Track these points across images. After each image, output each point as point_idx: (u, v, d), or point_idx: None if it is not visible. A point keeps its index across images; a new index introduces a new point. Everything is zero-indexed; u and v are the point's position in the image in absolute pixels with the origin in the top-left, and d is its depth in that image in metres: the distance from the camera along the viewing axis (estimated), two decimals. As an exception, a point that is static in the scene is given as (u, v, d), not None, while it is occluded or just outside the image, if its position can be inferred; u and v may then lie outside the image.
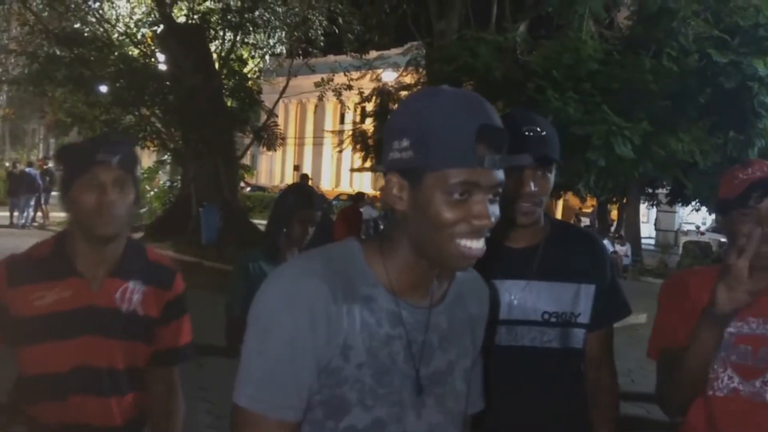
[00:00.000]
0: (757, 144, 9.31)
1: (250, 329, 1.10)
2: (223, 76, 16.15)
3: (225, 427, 2.51)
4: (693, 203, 14.20)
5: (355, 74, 17.09)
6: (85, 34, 15.97)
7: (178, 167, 16.95)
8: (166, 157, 18.59)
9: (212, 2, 17.08)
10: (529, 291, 1.74)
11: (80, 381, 1.65)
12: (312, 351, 1.06)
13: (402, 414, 1.11)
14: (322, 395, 1.08)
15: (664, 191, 15.06)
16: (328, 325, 1.07)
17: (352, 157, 16.26)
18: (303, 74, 17.07)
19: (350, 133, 14.42)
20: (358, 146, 13.62)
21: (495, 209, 1.08)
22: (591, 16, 9.61)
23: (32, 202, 18.10)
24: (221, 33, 16.35)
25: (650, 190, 15.93)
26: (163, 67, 16.01)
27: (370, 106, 14.47)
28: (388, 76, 16.20)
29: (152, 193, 19.44)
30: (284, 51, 18.56)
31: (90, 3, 16.60)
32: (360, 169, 14.69)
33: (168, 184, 19.40)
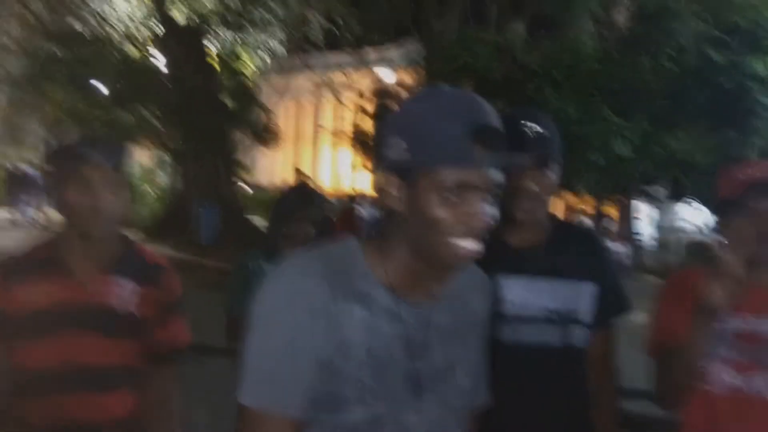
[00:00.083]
0: (756, 143, 9.33)
1: (251, 328, 1.10)
2: (222, 76, 16.15)
3: (224, 427, 2.51)
4: (693, 203, 14.22)
5: (352, 72, 17.09)
6: (85, 35, 15.96)
7: (177, 167, 16.94)
8: (165, 157, 18.60)
9: (211, 2, 17.08)
10: (531, 289, 1.74)
11: (71, 379, 1.65)
12: (312, 349, 1.07)
13: (401, 411, 1.12)
14: (322, 393, 1.09)
15: (664, 191, 15.09)
16: (328, 323, 1.07)
17: (350, 157, 16.26)
18: (301, 72, 17.07)
19: (348, 133, 14.43)
20: (357, 146, 13.63)
21: (491, 209, 1.08)
22: (590, 16, 9.61)
23: (33, 203, 18.07)
24: (220, 33, 16.34)
25: (649, 190, 15.98)
26: (162, 67, 16.02)
27: (369, 106, 14.47)
28: (386, 74, 16.20)
29: (152, 193, 19.44)
30: (282, 50, 18.56)
31: (90, 4, 16.59)
32: (359, 167, 14.68)
33: (168, 184, 19.40)
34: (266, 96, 19.57)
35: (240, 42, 17.00)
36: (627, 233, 17.72)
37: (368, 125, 13.73)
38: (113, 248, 1.73)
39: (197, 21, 15.88)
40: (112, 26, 16.98)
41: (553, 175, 1.75)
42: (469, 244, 1.07)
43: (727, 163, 1.83)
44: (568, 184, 9.39)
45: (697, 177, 9.75)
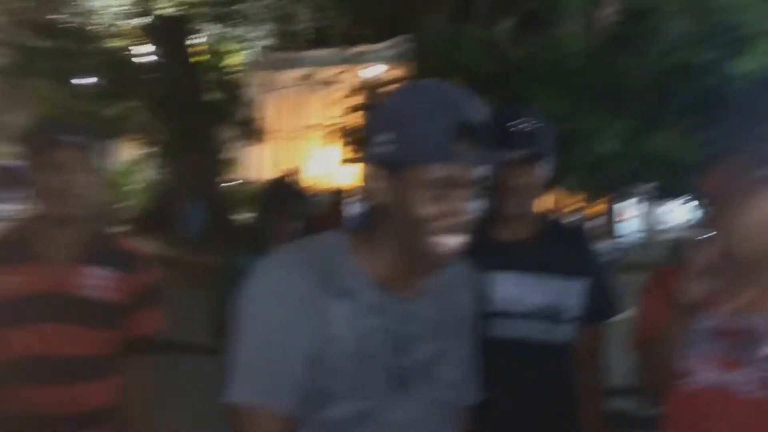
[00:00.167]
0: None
1: (239, 324, 1.10)
2: (208, 71, 16.04)
3: (206, 425, 2.50)
4: (679, 201, 14.33)
5: (340, 68, 17.05)
6: (71, 28, 15.80)
7: (163, 162, 16.83)
8: (150, 151, 18.47)
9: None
10: (518, 284, 1.76)
11: (43, 369, 1.62)
12: (302, 343, 1.07)
13: (383, 405, 1.12)
14: (310, 388, 1.08)
15: (649, 189, 15.20)
16: (314, 316, 1.07)
17: (336, 153, 16.23)
18: (288, 67, 17.00)
19: (335, 128, 14.40)
20: (345, 141, 13.61)
21: (476, 205, 1.08)
22: (577, 14, 9.65)
23: (16, 197, 17.84)
24: (207, 27, 16.23)
25: (635, 188, 16.09)
26: (147, 59, 15.89)
27: (355, 101, 14.44)
28: (375, 70, 16.18)
29: (138, 188, 19.29)
30: (268, 44, 18.47)
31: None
32: (347, 162, 14.66)
33: (153, 178, 19.27)
34: (254, 91, 19.48)
35: (227, 36, 16.90)
36: (613, 231, 17.85)
37: (356, 121, 13.70)
38: (87, 235, 1.70)
39: (184, 14, 15.77)
40: (98, 19, 16.83)
41: (543, 171, 1.76)
42: (454, 240, 1.07)
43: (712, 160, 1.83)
44: (554, 181, 9.44)
45: (682, 175, 9.83)
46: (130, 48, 16.37)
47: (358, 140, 13.01)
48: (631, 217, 17.65)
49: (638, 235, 17.91)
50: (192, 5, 16.01)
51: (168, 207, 15.49)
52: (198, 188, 14.97)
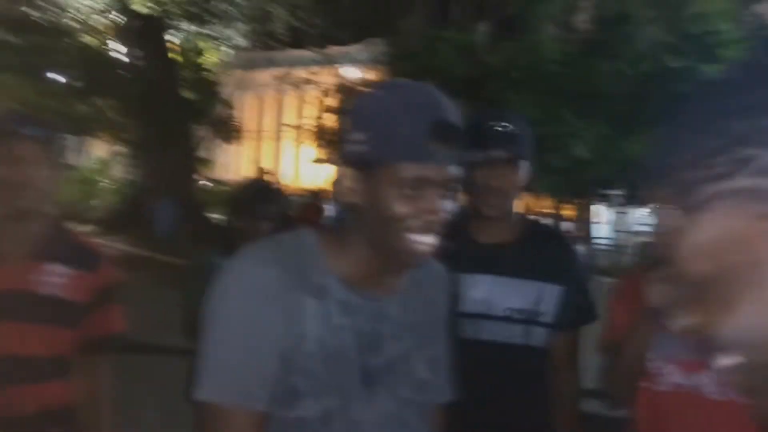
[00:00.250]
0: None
1: (208, 322, 1.09)
2: (181, 68, 15.90)
3: (176, 425, 2.47)
4: (649, 206, 14.51)
5: (316, 69, 17.02)
6: (42, 23, 15.55)
7: (135, 160, 16.63)
8: (121, 149, 18.25)
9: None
10: (495, 286, 1.76)
11: (1, 369, 1.58)
12: (270, 339, 1.06)
13: (349, 404, 1.11)
14: (280, 385, 1.07)
15: (621, 193, 15.40)
16: (285, 313, 1.07)
17: (311, 153, 16.18)
18: (263, 67, 16.93)
19: (310, 128, 14.37)
20: (318, 141, 13.59)
21: (447, 205, 1.08)
22: (552, 20, 9.75)
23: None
24: (182, 25, 16.08)
25: (607, 193, 16.31)
26: (120, 57, 15.70)
27: (330, 102, 14.44)
28: (350, 72, 16.18)
29: (109, 186, 19.05)
30: (244, 43, 18.37)
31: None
32: (320, 162, 14.63)
33: (125, 177, 19.05)
34: (227, 90, 19.35)
35: (202, 35, 16.77)
36: (584, 235, 18.05)
37: (331, 122, 13.69)
38: (43, 231, 1.66)
39: (158, 12, 15.61)
40: (70, 15, 16.59)
41: (522, 172, 1.76)
42: (427, 240, 1.07)
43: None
44: (527, 184, 9.51)
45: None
46: (104, 45, 16.16)
47: (332, 141, 13.00)
48: (603, 222, 17.86)
49: (610, 239, 18.12)
50: (167, 3, 15.88)
51: (140, 206, 15.32)
52: (172, 187, 14.81)
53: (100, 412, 1.77)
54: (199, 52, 17.22)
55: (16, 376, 1.59)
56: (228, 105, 17.57)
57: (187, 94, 16.19)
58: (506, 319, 1.76)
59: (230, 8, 16.60)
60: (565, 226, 13.40)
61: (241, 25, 17.55)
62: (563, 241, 1.98)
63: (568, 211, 15.84)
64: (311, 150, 16.09)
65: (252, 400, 1.06)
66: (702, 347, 0.53)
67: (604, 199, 15.15)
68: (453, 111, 1.08)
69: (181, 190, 15.09)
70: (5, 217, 1.60)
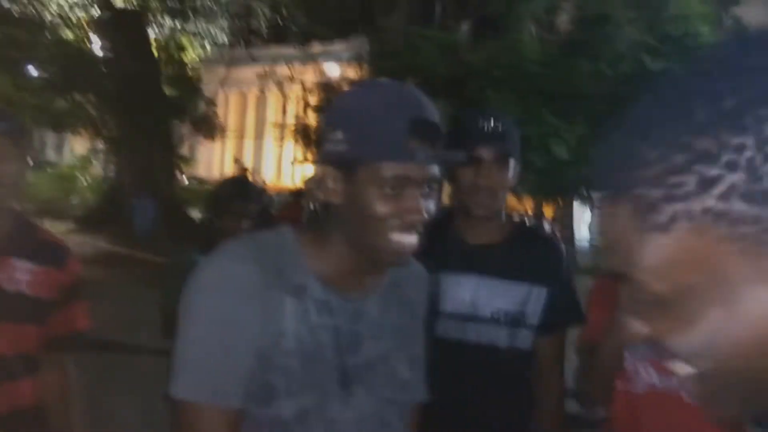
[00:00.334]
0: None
1: (184, 318, 1.08)
2: (162, 64, 15.76)
3: (155, 424, 2.45)
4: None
5: (298, 66, 16.97)
6: (16, 15, 15.33)
7: (113, 157, 16.47)
8: (100, 145, 18.06)
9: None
10: (482, 288, 1.75)
11: None
12: (247, 337, 1.05)
13: (326, 403, 1.10)
14: (256, 383, 1.07)
15: (600, 194, 15.48)
16: (262, 310, 1.06)
17: (294, 151, 16.13)
18: (245, 64, 16.84)
19: (292, 126, 14.31)
20: (300, 140, 13.54)
21: (428, 204, 1.08)
22: (532, 19, 9.80)
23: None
24: (161, 19, 15.95)
25: (586, 193, 16.44)
26: (99, 52, 15.53)
27: (313, 99, 14.39)
28: (331, 69, 16.14)
29: (86, 183, 18.85)
30: (226, 40, 18.26)
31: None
32: (301, 162, 14.59)
33: (103, 173, 18.88)
34: (209, 87, 19.22)
35: (182, 30, 16.64)
36: (564, 235, 18.17)
37: (312, 119, 13.64)
38: (9, 227, 1.62)
39: (137, 6, 15.47)
40: (45, 7, 16.38)
41: (510, 171, 1.76)
42: (407, 239, 1.07)
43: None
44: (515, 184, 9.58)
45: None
46: (84, 40, 15.98)
47: (313, 139, 12.96)
48: (584, 222, 17.99)
49: (590, 239, 18.26)
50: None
51: (120, 203, 15.17)
52: (152, 185, 14.69)
53: (70, 411, 1.74)
54: (181, 48, 17.09)
55: None
56: (209, 102, 17.45)
57: (169, 91, 16.06)
58: (492, 320, 1.75)
59: (212, 4, 16.50)
60: (547, 226, 13.48)
61: (222, 21, 17.46)
62: (551, 242, 1.97)
63: (548, 212, 15.94)
64: (293, 148, 16.03)
65: (226, 398, 1.05)
66: (659, 352, 0.53)
67: (585, 199, 15.25)
68: (432, 110, 1.08)
69: (161, 188, 14.96)
70: None
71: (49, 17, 16.18)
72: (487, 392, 1.76)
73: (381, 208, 1.05)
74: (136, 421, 4.65)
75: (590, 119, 8.99)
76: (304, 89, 14.89)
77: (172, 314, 2.83)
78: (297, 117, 14.83)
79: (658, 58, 9.40)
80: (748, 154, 0.43)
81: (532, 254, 1.81)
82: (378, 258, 1.10)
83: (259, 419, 1.07)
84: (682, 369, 0.50)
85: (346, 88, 13.27)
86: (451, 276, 1.73)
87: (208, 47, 19.14)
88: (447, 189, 1.88)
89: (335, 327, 1.12)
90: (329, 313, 1.12)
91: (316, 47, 16.94)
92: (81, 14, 16.40)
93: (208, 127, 16.71)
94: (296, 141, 13.87)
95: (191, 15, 16.11)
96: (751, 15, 10.05)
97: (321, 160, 1.10)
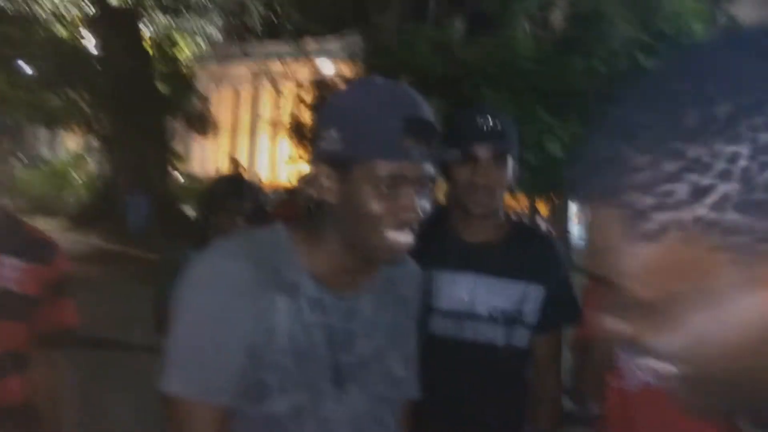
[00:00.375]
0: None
1: (176, 315, 1.08)
2: (155, 61, 15.71)
3: (148, 422, 2.45)
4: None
5: (292, 62, 16.92)
6: (9, 12, 15.25)
7: (107, 154, 16.41)
8: (94, 142, 17.99)
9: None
10: (479, 286, 1.75)
11: None
12: (240, 333, 1.06)
13: (320, 401, 1.11)
14: (248, 380, 1.07)
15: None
16: (254, 307, 1.06)
17: (288, 148, 16.10)
18: (238, 61, 16.79)
19: (286, 123, 14.28)
20: (294, 137, 13.51)
21: (423, 202, 1.08)
22: (526, 16, 9.80)
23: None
24: (154, 16, 15.89)
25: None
26: (92, 49, 15.46)
27: (307, 97, 14.36)
28: (326, 66, 16.11)
29: (80, 180, 18.78)
30: (220, 37, 18.21)
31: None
32: (295, 160, 14.56)
33: (96, 170, 18.80)
34: (202, 83, 19.17)
35: (176, 27, 16.58)
36: (559, 232, 18.22)
37: (306, 116, 13.62)
38: None
39: (131, 2, 15.39)
40: (39, 4, 16.28)
41: (508, 170, 1.75)
42: (402, 237, 1.08)
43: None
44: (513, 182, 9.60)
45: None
46: (77, 36, 15.90)
47: (308, 136, 12.94)
48: (575, 219, 18.02)
49: (581, 236, 18.27)
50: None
51: (113, 200, 15.13)
52: (145, 181, 14.65)
53: (60, 409, 1.73)
54: (174, 45, 17.03)
55: None
56: (203, 98, 17.40)
57: (162, 87, 16.01)
58: (490, 319, 1.75)
59: (205, 1, 16.44)
60: (542, 224, 13.51)
61: (214, 17, 17.39)
62: (548, 241, 1.96)
63: (543, 210, 15.97)
64: (287, 144, 16.00)
65: (216, 395, 1.06)
66: (635, 350, 0.53)
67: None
68: (427, 109, 1.08)
69: (154, 185, 14.93)
70: None
71: (42, 14, 16.09)
72: (484, 390, 1.76)
73: (376, 206, 1.05)
74: (129, 417, 4.64)
75: (584, 117, 9.00)
76: (298, 86, 14.86)
77: (165, 311, 2.82)
78: (291, 114, 14.79)
79: (651, 55, 9.42)
80: (742, 163, 0.42)
81: (530, 253, 1.81)
82: (372, 256, 1.10)
83: (252, 417, 1.08)
84: (664, 368, 0.50)
85: (340, 85, 13.27)
86: (448, 274, 1.73)
87: (201, 44, 19.08)
88: (442, 187, 1.87)
89: (328, 325, 1.12)
90: (322, 311, 1.12)
91: (310, 44, 16.89)
92: (74, 11, 16.31)
93: (202, 124, 16.67)
94: (290, 138, 13.84)
95: (184, 12, 16.04)
96: (745, 13, 10.09)
97: (315, 158, 1.10)
